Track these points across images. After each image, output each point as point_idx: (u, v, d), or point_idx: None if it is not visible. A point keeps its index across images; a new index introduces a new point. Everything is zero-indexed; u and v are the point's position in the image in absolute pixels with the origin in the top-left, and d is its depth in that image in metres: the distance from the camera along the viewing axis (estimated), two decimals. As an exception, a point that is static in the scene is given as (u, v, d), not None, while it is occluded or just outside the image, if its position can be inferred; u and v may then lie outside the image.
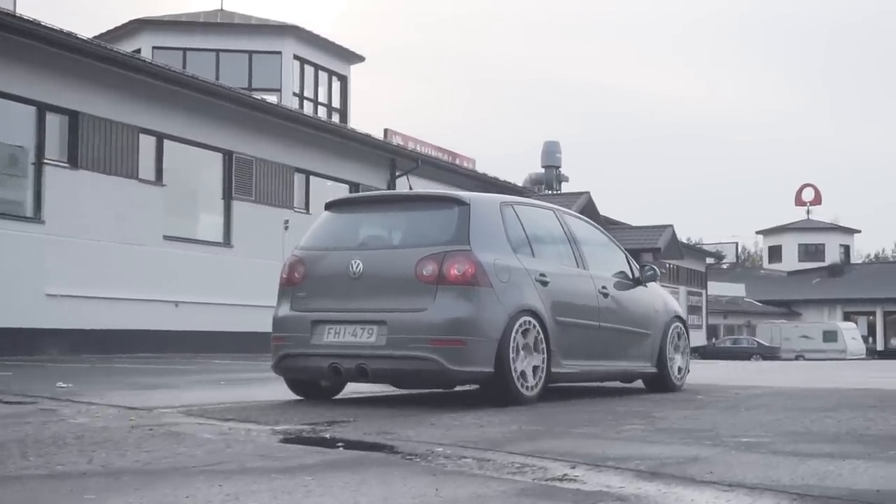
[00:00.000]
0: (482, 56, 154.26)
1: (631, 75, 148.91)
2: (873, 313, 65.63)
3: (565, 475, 3.90)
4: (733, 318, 62.96)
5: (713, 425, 5.90)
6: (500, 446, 4.69)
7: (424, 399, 8.19)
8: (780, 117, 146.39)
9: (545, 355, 7.81)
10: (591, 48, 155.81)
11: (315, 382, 8.10)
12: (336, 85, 35.13)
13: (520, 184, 42.11)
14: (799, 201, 76.09)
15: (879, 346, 63.87)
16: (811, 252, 74.68)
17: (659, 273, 10.06)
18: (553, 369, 7.94)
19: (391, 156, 27.97)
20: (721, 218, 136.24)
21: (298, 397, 8.02)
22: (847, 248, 77.20)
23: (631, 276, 9.66)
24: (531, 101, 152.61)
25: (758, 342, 54.42)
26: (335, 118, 33.20)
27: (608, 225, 37.03)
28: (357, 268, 7.52)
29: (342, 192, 26.46)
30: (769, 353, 50.86)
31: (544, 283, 8.00)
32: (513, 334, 7.44)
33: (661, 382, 9.76)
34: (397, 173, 28.04)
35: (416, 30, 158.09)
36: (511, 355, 7.40)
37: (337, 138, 25.73)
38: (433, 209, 8.05)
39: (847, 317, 64.90)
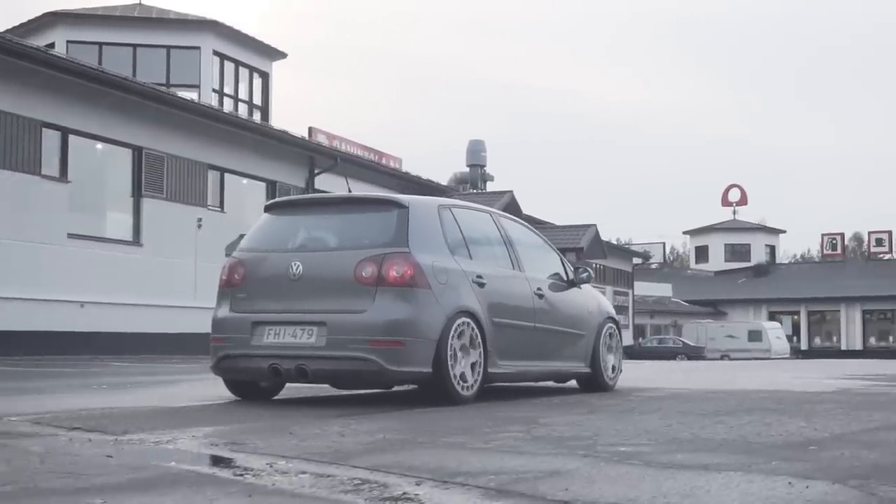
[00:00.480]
0: (410, 56, 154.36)
1: (560, 76, 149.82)
2: (798, 313, 66.41)
3: (404, 494, 3.49)
4: (660, 317, 63.27)
5: (595, 432, 5.53)
6: (348, 459, 4.27)
7: (347, 400, 8.22)
8: (709, 118, 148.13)
9: (482, 356, 7.97)
10: (521, 49, 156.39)
11: (254, 383, 8.20)
12: (258, 82, 34.50)
13: (444, 183, 41.81)
14: (725, 202, 76.80)
15: (804, 346, 64.59)
16: (737, 252, 75.40)
17: (592, 275, 10.26)
18: (490, 369, 8.10)
19: (310, 153, 27.47)
20: (652, 219, 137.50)
21: (232, 398, 8.09)
22: (773, 249, 78.08)
23: (565, 278, 9.82)
24: (459, 101, 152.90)
25: (683, 342, 54.65)
26: (257, 116, 32.57)
27: (531, 224, 36.67)
28: (297, 269, 7.62)
29: (259, 190, 25.92)
30: (694, 353, 51.08)
31: (481, 285, 8.15)
32: (451, 335, 7.59)
33: (594, 382, 9.94)
34: (316, 171, 27.54)
35: (344, 29, 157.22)
36: (449, 356, 7.55)
37: (254, 135, 25.17)
38: (372, 211, 8.17)
39: (772, 316, 65.56)
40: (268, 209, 8.65)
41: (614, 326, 10.41)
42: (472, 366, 7.85)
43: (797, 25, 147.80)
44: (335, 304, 7.46)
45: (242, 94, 33.65)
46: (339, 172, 28.26)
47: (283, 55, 35.06)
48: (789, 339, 61.00)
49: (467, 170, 40.47)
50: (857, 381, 13.18)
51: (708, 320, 61.97)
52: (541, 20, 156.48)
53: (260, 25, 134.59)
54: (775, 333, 56.55)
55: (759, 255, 75.37)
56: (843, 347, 64.21)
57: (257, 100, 34.29)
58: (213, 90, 31.84)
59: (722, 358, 51.00)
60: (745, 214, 78.27)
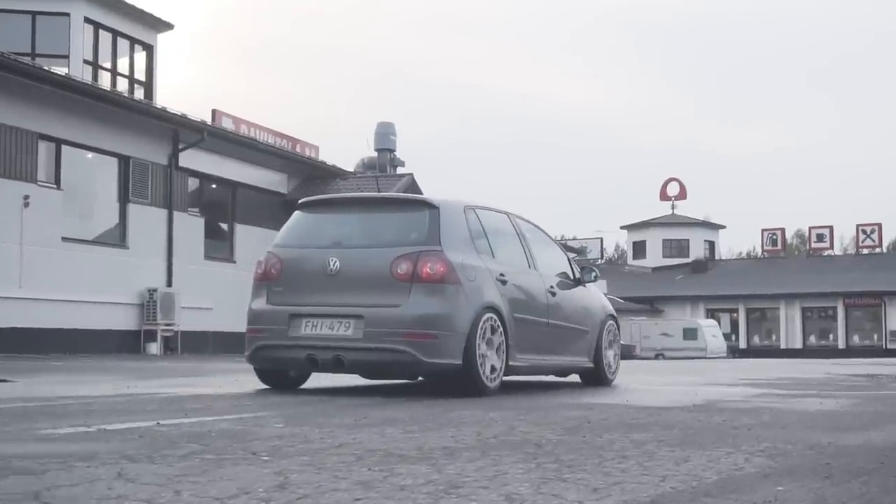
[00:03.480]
0: (369, 54, 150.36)
1: (516, 77, 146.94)
2: (736, 310, 63.95)
3: None
4: (593, 315, 60.51)
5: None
6: None
7: (371, 389, 9.08)
8: (652, 115, 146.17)
9: (504, 350, 8.39)
10: (478, 49, 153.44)
11: (284, 373, 8.78)
12: (140, 55, 31.31)
13: (351, 168, 38.92)
14: (664, 196, 74.22)
15: (742, 344, 62.23)
16: (676, 248, 72.86)
17: (598, 274, 10.80)
18: (510, 363, 8.51)
19: (174, 127, 24.31)
20: (598, 217, 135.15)
21: (266, 386, 8.68)
22: (712, 244, 75.65)
23: (572, 277, 10.30)
24: (416, 99, 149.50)
25: (613, 340, 52.00)
26: (139, 93, 29.35)
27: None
28: (334, 265, 8.06)
29: (109, 166, 22.85)
30: (625, 353, 48.41)
31: (503, 282, 8.59)
32: (479, 329, 7.99)
33: (596, 377, 10.45)
34: (181, 146, 24.39)
35: (304, 25, 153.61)
36: (477, 349, 7.97)
37: (102, 104, 22.01)
38: (405, 211, 8.74)
39: (710, 314, 63.14)
40: (300, 206, 9.04)
41: (614, 324, 10.91)
42: (496, 359, 8.27)
43: (754, 28, 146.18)
44: (371, 299, 7.90)
45: (123, 69, 30.40)
46: (208, 148, 25.20)
47: (169, 26, 31.84)
48: (727, 337, 58.69)
49: (375, 154, 37.50)
50: (751, 387, 10.47)
51: (642, 318, 59.34)
52: (498, 22, 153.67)
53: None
54: (711, 332, 54.15)
55: (698, 251, 72.95)
56: (783, 346, 61.97)
57: (140, 75, 31.02)
58: (86, 61, 28.52)
59: (656, 357, 48.84)
60: (686, 210, 75.88)
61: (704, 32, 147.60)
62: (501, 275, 8.58)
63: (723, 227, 78.19)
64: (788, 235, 78.66)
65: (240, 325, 26.08)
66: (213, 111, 32.44)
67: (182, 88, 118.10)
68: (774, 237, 69.95)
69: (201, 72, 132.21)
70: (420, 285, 7.83)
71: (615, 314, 11.03)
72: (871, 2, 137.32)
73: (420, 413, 6.20)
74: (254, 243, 27.63)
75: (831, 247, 69.90)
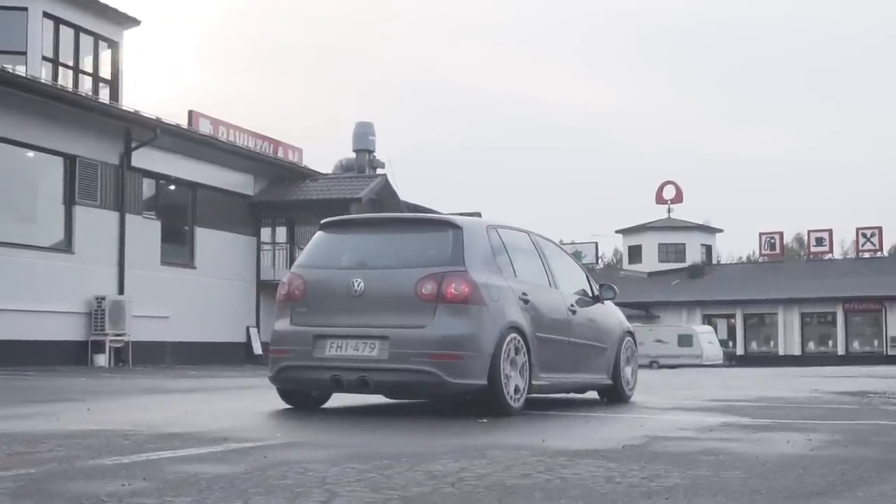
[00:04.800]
0: (373, 58, 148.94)
1: (521, 81, 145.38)
2: (733, 316, 62.37)
3: None
4: (587, 321, 59.03)
5: None
6: None
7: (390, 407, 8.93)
8: (653, 119, 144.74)
9: (528, 369, 8.46)
10: (483, 53, 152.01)
11: (307, 393, 8.85)
12: (106, 53, 29.88)
13: (330, 170, 37.50)
14: (660, 199, 72.62)
15: (739, 351, 60.67)
16: (672, 252, 71.25)
17: (617, 292, 10.69)
18: (533, 382, 8.56)
19: (126, 125, 22.87)
20: (589, 218, 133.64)
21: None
22: (709, 248, 74.04)
23: (591, 294, 10.30)
24: (417, 104, 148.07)
25: (605, 347, 50.52)
26: (104, 93, 27.90)
27: (413, 210, 32.76)
28: (358, 286, 8.15)
29: (54, 166, 21.42)
30: (617, 360, 46.94)
31: (526, 302, 8.64)
32: (503, 349, 8.08)
33: (614, 393, 10.48)
34: (134, 145, 22.95)
35: (311, 27, 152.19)
36: (502, 369, 8.06)
37: (44, 99, 20.60)
38: (428, 231, 8.78)
39: (707, 319, 61.48)
40: (323, 227, 9.08)
41: (632, 340, 10.88)
42: (520, 378, 8.32)
43: (757, 31, 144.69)
44: (396, 320, 7.98)
45: (87, 67, 28.94)
46: (165, 147, 23.79)
47: (135, 22, 30.39)
48: (724, 343, 57.06)
49: (353, 156, 35.99)
50: (715, 414, 8.97)
51: (637, 324, 57.71)
52: (501, 25, 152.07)
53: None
54: (707, 338, 52.49)
55: (694, 256, 71.37)
56: (781, 353, 60.43)
57: (105, 73, 29.54)
58: (45, 58, 27.09)
59: (651, 365, 47.26)
60: (685, 214, 74.30)
61: (708, 36, 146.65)
62: (524, 294, 8.68)
63: (720, 230, 76.63)
64: (787, 239, 77.16)
65: (200, 335, 24.79)
66: (190, 112, 31.13)
67: (165, 90, 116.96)
68: (773, 241, 68.38)
69: (202, 74, 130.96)
70: (445, 306, 7.93)
71: (632, 330, 11.06)
72: (872, 5, 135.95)
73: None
74: (216, 248, 26.22)
75: (831, 251, 68.28)
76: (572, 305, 9.65)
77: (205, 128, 30.23)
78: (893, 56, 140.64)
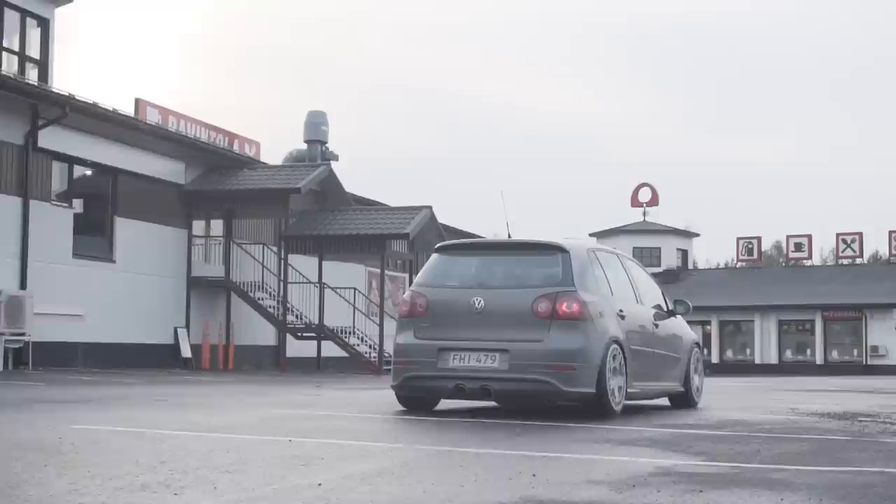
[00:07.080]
0: (360, 62, 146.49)
1: (489, 84, 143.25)
2: (709, 322, 60.17)
3: None
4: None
5: None
6: None
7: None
8: (637, 126, 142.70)
9: (625, 378, 9.50)
10: (468, 60, 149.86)
11: (423, 398, 9.87)
12: (35, 32, 27.51)
13: (280, 161, 35.35)
14: (635, 202, 70.40)
15: (714, 359, 58.54)
16: (646, 257, 68.99)
17: (691, 307, 11.81)
18: (628, 389, 9.63)
19: (33, 101, 20.51)
20: (564, 223, 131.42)
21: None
22: (685, 253, 71.82)
23: (665, 308, 11.38)
24: (401, 109, 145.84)
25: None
26: (33, 73, 25.55)
27: (359, 203, 30.74)
28: (479, 303, 9.17)
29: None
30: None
31: (622, 317, 9.74)
32: (607, 360, 9.09)
33: (684, 400, 11.55)
34: (41, 123, 20.59)
35: (299, 33, 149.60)
36: (608, 378, 9.08)
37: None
38: (539, 255, 9.72)
39: (681, 326, 59.46)
40: (438, 250, 10.18)
41: (699, 350, 12.00)
42: (619, 386, 9.36)
43: (741, 39, 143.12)
44: (515, 334, 9.02)
45: (13, 44, 26.55)
46: (80, 127, 21.47)
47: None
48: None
49: (304, 147, 33.79)
50: (657, 453, 6.71)
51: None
52: (487, 32, 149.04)
53: None
54: (681, 345, 50.47)
55: (670, 260, 69.24)
56: (758, 361, 58.31)
57: (33, 52, 27.15)
58: (-37, 35, 24.77)
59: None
60: (662, 219, 72.11)
61: (693, 45, 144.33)
62: (620, 310, 9.75)
63: (696, 235, 74.48)
64: (766, 245, 75.11)
65: (120, 336, 22.19)
66: (137, 100, 28.97)
67: (112, 79, 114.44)
68: (750, 246, 66.27)
69: (194, 75, 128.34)
70: (559, 322, 8.95)
71: (699, 341, 12.15)
72: (845, 13, 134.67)
73: None
74: (140, 240, 23.86)
75: (810, 257, 66.05)
76: (654, 319, 10.76)
77: (153, 117, 28.00)
78: (873, 59, 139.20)
